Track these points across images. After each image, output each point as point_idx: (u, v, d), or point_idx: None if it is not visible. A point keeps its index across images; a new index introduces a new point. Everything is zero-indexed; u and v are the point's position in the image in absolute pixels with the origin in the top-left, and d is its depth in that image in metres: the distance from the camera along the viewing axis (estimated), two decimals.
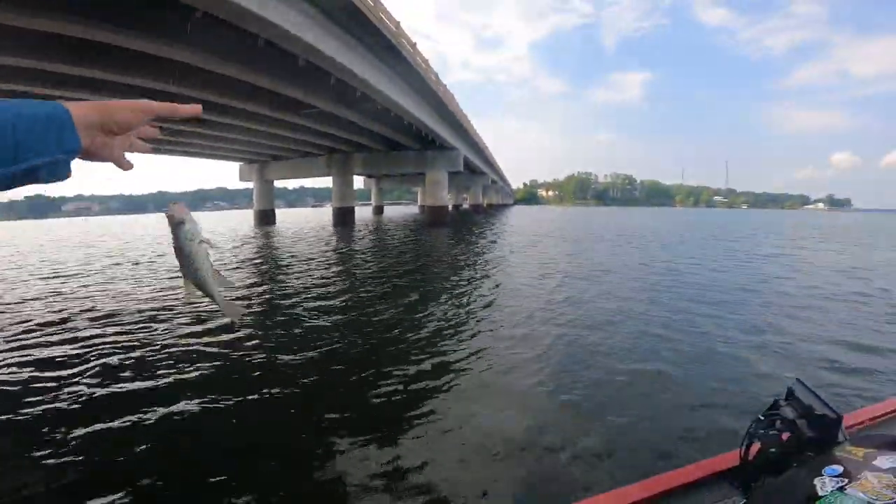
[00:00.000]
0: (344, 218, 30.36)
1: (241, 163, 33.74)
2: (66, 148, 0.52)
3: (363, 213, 51.72)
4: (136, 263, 13.71)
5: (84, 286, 9.67)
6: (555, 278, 9.69)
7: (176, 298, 7.95)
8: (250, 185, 34.95)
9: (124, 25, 8.59)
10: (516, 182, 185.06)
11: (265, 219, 34.11)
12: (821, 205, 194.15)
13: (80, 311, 7.23)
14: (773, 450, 1.18)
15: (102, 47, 9.13)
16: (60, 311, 7.30)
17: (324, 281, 9.61)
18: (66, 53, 9.30)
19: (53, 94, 11.60)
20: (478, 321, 6.31)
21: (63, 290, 9.33)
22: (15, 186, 0.51)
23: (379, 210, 56.97)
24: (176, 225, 0.71)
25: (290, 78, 12.86)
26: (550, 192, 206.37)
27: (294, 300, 7.71)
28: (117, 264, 13.66)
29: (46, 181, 0.52)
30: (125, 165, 0.62)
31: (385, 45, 13.60)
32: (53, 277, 11.27)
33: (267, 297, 8.13)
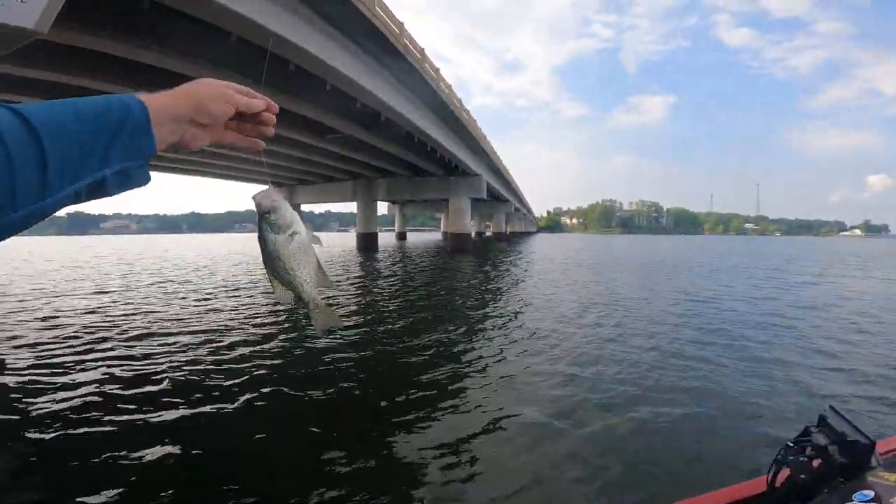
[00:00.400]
0: (368, 243, 30.68)
1: (270, 186, 34.59)
2: (138, 154, 0.46)
3: (387, 238, 52.31)
4: (185, 281, 14.07)
5: (132, 302, 9.92)
6: (587, 306, 9.45)
7: (205, 317, 8.05)
8: None
9: (166, 46, 9.03)
10: (539, 209, 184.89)
11: None
12: (857, 231, 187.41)
13: (133, 326, 7.37)
14: (802, 476, 1.16)
15: (133, 64, 9.59)
16: (126, 324, 7.46)
17: (349, 304, 9.63)
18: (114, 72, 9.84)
19: None
20: (507, 346, 6.15)
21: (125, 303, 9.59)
22: (85, 201, 0.45)
23: (402, 236, 57.49)
24: (263, 215, 0.61)
25: (318, 102, 13.22)
26: (574, 220, 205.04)
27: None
28: (169, 281, 14.05)
29: (121, 191, 0.46)
30: (250, 144, 0.59)
31: (409, 71, 13.90)
32: (107, 292, 11.61)
33: (281, 323, 8.15)
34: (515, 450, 3.23)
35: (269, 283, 0.65)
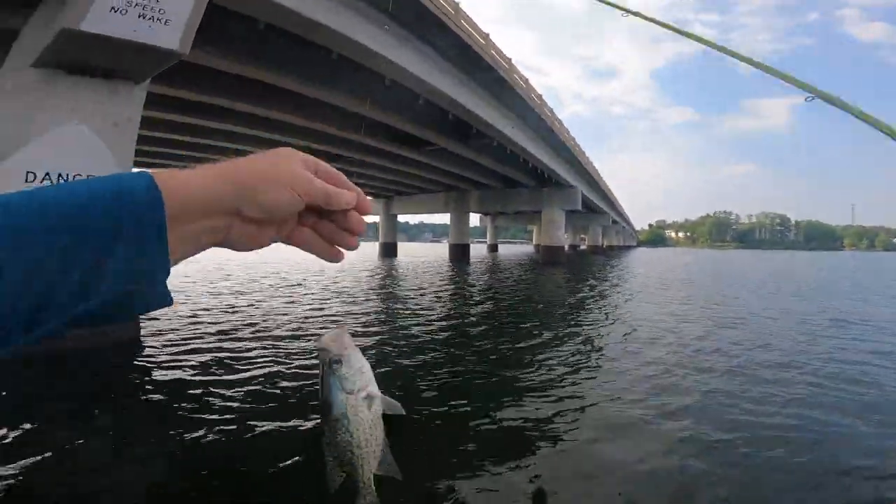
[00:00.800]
0: (460, 254, 31.28)
1: (370, 197, 36.88)
2: (142, 273, 0.31)
3: (478, 250, 52.60)
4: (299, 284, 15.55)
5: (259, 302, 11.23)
6: (693, 324, 8.74)
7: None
8: (376, 218, 38.04)
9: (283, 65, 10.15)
10: (640, 222, 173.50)
11: (388, 251, 36.62)
12: None
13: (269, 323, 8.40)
14: None
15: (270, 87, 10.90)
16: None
17: (440, 312, 9.94)
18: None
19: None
20: (602, 361, 5.95)
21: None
22: (78, 326, 0.31)
23: (493, 248, 57.63)
24: (331, 365, 0.45)
25: (412, 115, 13.87)
26: (680, 234, 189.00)
27: (414, 329, 7.98)
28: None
29: (117, 321, 0.32)
30: (329, 254, 0.42)
31: (497, 81, 14.11)
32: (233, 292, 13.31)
33: (387, 324, 8.63)
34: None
35: (326, 457, 0.47)
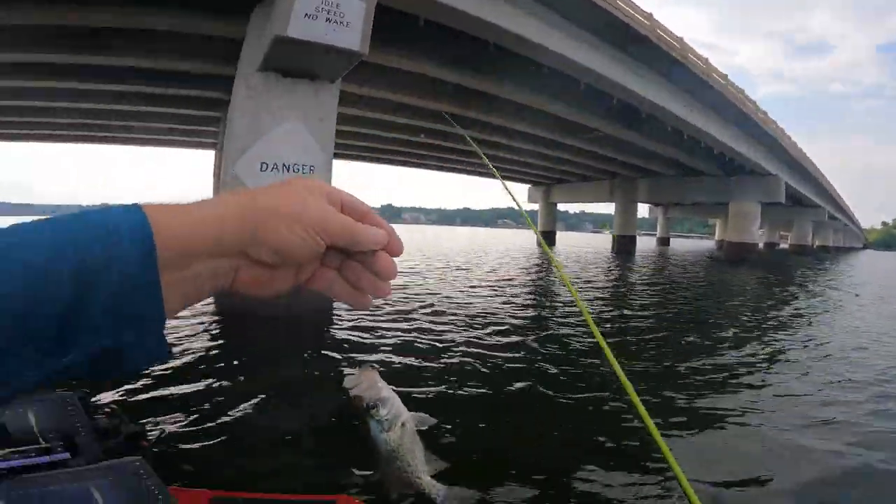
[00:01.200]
0: (624, 246, 29.13)
1: (530, 185, 36.86)
2: (130, 323, 0.27)
3: (646, 243, 48.25)
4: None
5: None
6: None
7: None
8: (535, 206, 37.77)
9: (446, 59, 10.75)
10: (869, 220, 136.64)
11: (546, 239, 36.12)
12: None
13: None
14: None
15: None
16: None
17: (602, 305, 9.57)
18: None
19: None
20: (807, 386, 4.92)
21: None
22: (67, 378, 0.27)
23: (664, 241, 52.04)
24: (368, 412, 0.49)
25: (572, 101, 13.45)
26: None
27: (565, 319, 7.84)
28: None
29: (107, 377, 0.28)
30: (356, 301, 0.38)
31: (668, 62, 13.01)
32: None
33: (537, 312, 8.65)
34: None
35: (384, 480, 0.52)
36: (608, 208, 32.01)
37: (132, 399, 3.61)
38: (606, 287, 13.21)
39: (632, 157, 20.72)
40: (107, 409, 1.34)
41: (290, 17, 5.95)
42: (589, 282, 13.65)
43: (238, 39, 7.86)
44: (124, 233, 0.26)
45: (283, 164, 7.01)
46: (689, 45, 14.10)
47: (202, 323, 6.28)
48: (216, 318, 6.59)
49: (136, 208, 0.28)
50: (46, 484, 0.89)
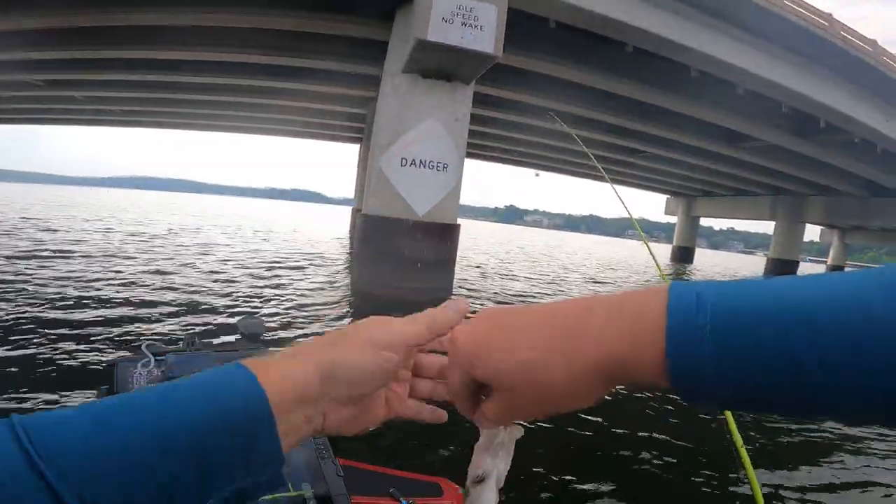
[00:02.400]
0: (781, 272, 25.02)
1: (668, 196, 33.71)
2: (262, 471, 0.30)
3: (812, 270, 40.80)
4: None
5: None
6: None
7: None
8: (672, 219, 34.43)
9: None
10: None
11: (682, 256, 32.79)
12: None
13: None
14: None
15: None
16: None
17: None
18: None
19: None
20: None
21: None
22: None
23: (838, 270, 43.49)
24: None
25: (727, 107, 12.03)
26: None
27: None
28: None
29: None
30: (430, 418, 0.40)
31: (855, 66, 11.12)
32: None
33: None
34: None
35: None
36: (763, 227, 27.73)
37: None
38: None
39: (803, 170, 17.70)
40: None
41: (429, 21, 6.24)
42: None
43: (382, 42, 8.47)
44: (239, 392, 0.30)
45: (421, 161, 7.44)
46: (884, 47, 11.92)
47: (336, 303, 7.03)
48: (351, 302, 7.34)
49: (244, 370, 0.31)
50: None
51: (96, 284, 6.63)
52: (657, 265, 1.29)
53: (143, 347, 1.01)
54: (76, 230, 13.26)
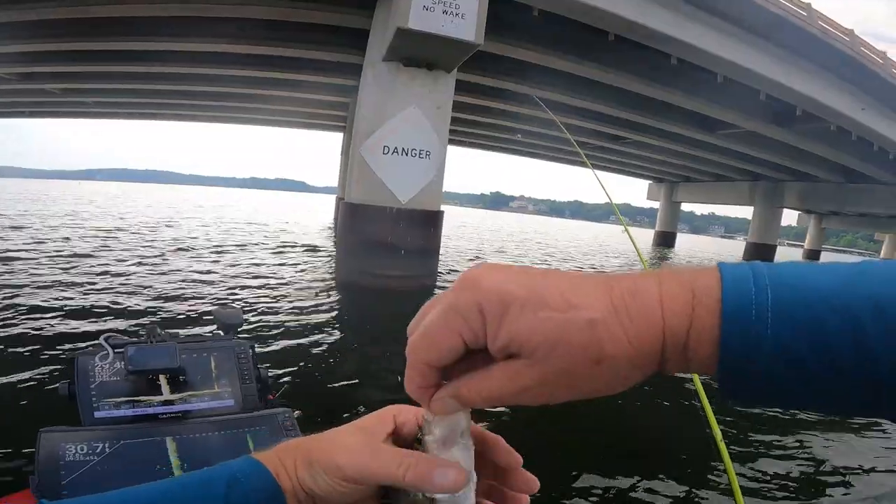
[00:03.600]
0: (760, 256, 25.54)
1: (650, 182, 34.13)
2: None
3: (787, 254, 42.13)
4: None
5: None
6: None
7: None
8: (655, 204, 34.89)
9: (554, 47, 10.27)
10: None
11: (664, 240, 33.34)
12: None
13: None
14: None
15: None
16: None
17: None
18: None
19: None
20: None
21: None
22: None
23: (813, 255, 44.62)
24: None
25: (707, 95, 12.16)
26: None
27: None
28: None
29: None
30: None
31: (836, 58, 11.35)
32: None
33: None
34: None
35: None
36: (743, 212, 28.28)
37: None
38: None
39: (781, 157, 18.06)
40: None
41: (409, 9, 6.20)
42: None
43: (363, 30, 8.36)
44: (258, 487, 0.30)
45: (403, 149, 7.40)
46: (861, 37, 12.13)
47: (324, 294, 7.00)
48: (334, 291, 7.32)
49: (257, 464, 0.31)
50: (211, 430, 0.99)
51: (65, 279, 6.44)
52: (637, 250, 1.31)
53: (101, 340, 0.98)
54: (44, 226, 12.74)
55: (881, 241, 55.25)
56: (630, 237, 1.33)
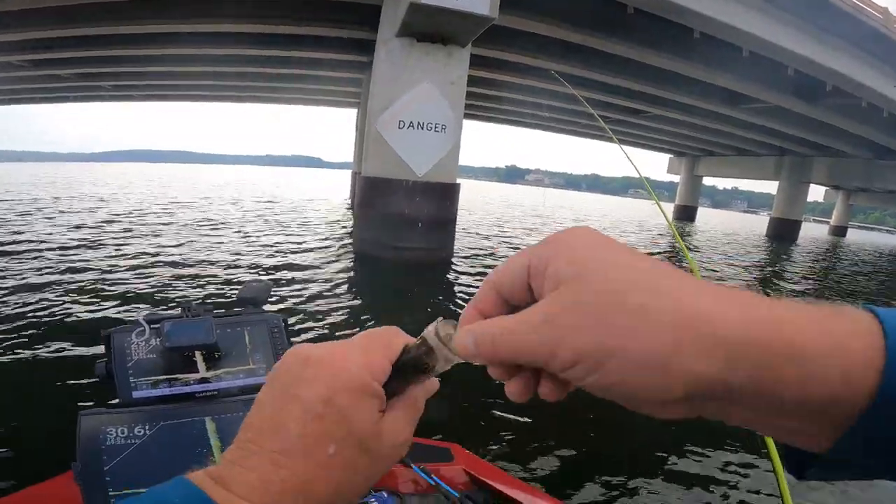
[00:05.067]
0: (784, 231, 24.84)
1: (671, 155, 33.28)
2: None
3: (812, 230, 40.91)
4: None
5: None
6: None
7: None
8: (676, 178, 34.10)
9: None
10: None
11: (684, 214, 32.71)
12: None
13: None
14: None
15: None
16: None
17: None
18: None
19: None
20: None
21: None
22: None
23: (840, 231, 43.41)
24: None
25: (731, 69, 11.74)
26: None
27: None
28: None
29: None
30: None
31: (869, 33, 11.04)
32: None
33: None
34: None
35: None
36: (768, 186, 27.45)
37: None
38: (748, 279, 10.66)
39: (808, 132, 17.37)
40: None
41: None
42: (727, 272, 11.67)
43: (376, 6, 8.21)
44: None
45: (418, 123, 7.37)
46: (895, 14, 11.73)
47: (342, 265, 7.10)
48: (353, 263, 7.46)
49: (188, 484, 0.26)
50: (248, 409, 0.97)
51: (101, 254, 6.66)
52: (670, 223, 1.27)
53: (138, 316, 0.95)
54: (75, 207, 13.00)
55: None
56: (663, 212, 1.29)
